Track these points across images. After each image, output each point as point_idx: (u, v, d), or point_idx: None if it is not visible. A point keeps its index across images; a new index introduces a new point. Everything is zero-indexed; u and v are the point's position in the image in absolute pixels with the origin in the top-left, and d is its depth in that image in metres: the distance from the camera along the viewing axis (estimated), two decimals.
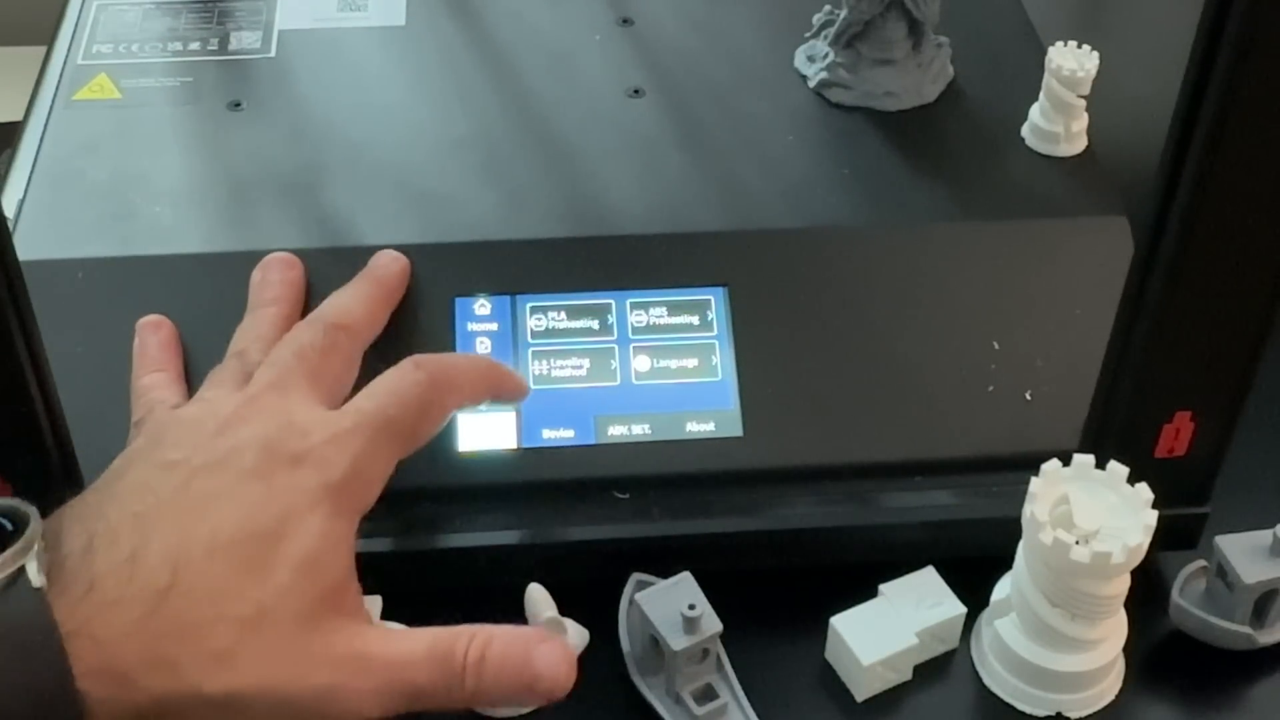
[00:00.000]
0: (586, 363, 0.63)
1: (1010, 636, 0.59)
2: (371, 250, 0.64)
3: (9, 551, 0.46)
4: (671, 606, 0.56)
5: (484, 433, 0.61)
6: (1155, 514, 0.55)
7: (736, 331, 0.64)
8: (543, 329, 0.64)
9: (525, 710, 0.58)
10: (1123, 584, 0.57)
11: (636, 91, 0.74)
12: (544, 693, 0.52)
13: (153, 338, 0.61)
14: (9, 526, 0.47)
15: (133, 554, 0.48)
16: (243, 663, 0.48)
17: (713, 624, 0.56)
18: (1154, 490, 0.56)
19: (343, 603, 0.51)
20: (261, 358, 0.58)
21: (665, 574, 0.58)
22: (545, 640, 0.53)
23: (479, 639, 0.51)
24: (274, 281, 0.62)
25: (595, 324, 0.64)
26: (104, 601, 0.47)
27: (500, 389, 0.60)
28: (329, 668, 0.49)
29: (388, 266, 0.63)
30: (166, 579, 0.48)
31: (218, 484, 0.51)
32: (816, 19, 0.76)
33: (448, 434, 0.61)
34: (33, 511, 0.47)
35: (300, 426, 0.53)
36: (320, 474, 0.52)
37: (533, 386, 0.62)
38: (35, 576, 0.46)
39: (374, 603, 0.57)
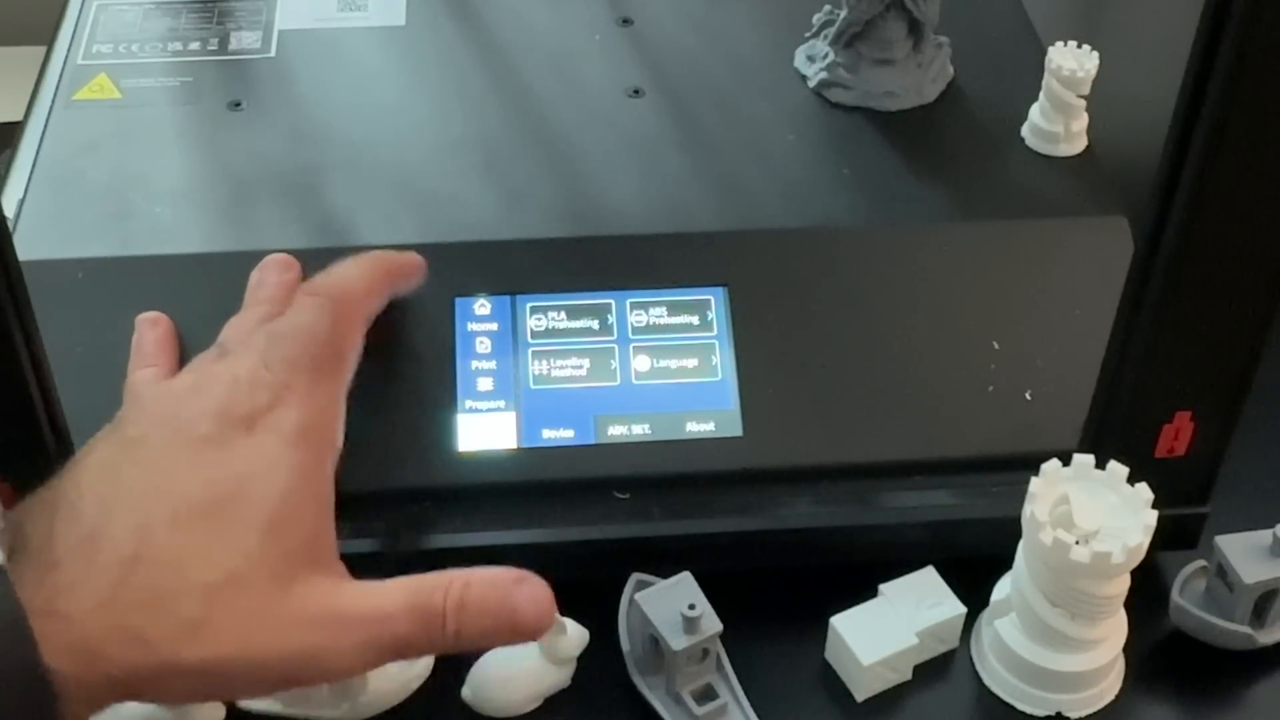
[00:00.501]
0: (586, 363, 0.63)
1: (1010, 636, 0.59)
2: (372, 250, 0.64)
3: None
4: (671, 606, 0.56)
5: (484, 433, 0.61)
6: (1155, 514, 0.55)
7: (736, 331, 0.64)
8: (543, 329, 0.64)
9: (527, 710, 0.59)
10: (1123, 584, 0.57)
11: (636, 91, 0.74)
12: (525, 630, 0.51)
13: (149, 334, 0.61)
14: None
15: (96, 529, 0.48)
16: (215, 630, 0.47)
17: (713, 624, 0.56)
18: (1154, 490, 0.56)
19: (316, 558, 0.51)
20: None
21: (665, 574, 0.58)
22: (522, 579, 0.52)
23: (457, 583, 0.50)
24: (270, 283, 0.62)
25: (595, 324, 0.64)
26: (69, 578, 0.46)
27: (398, 277, 0.61)
28: (306, 628, 0.49)
29: (397, 256, 0.63)
30: (131, 551, 0.47)
31: (176, 455, 0.51)
32: (816, 19, 0.76)
33: (448, 434, 0.61)
34: None
35: (245, 387, 0.53)
36: (274, 429, 0.52)
37: (533, 386, 0.62)
38: None
39: None
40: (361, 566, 0.56)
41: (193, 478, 0.50)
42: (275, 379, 0.54)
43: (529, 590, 0.51)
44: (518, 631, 0.51)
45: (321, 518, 0.52)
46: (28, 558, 0.47)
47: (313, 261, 0.64)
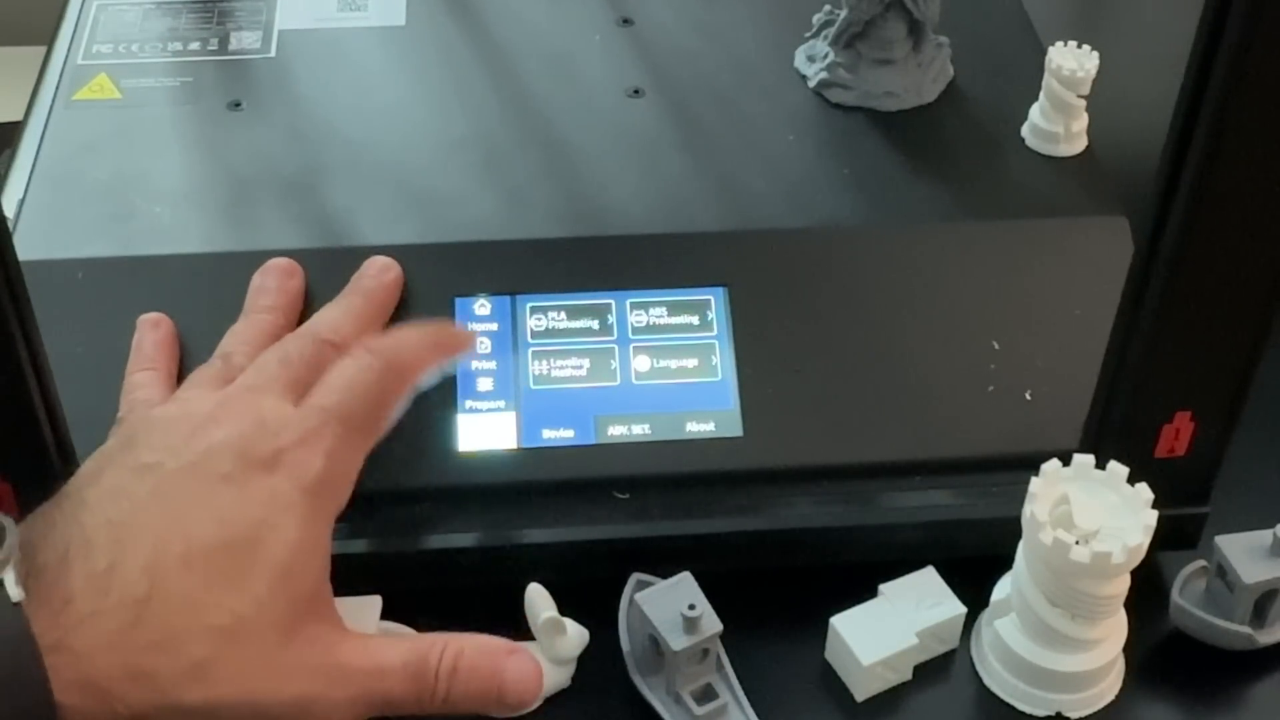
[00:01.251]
0: (586, 363, 0.63)
1: (1010, 636, 0.59)
2: (371, 250, 0.64)
3: None
4: (671, 606, 0.56)
5: (484, 433, 0.61)
6: (1155, 514, 0.55)
7: (736, 331, 0.64)
8: (543, 329, 0.63)
9: (527, 710, 0.59)
10: (1123, 584, 0.57)
11: (636, 91, 0.74)
12: (511, 704, 0.53)
13: (150, 335, 0.61)
14: None
15: (110, 565, 0.48)
16: (220, 673, 0.48)
17: (713, 624, 0.56)
18: (1154, 490, 0.55)
19: (318, 609, 0.52)
20: (246, 362, 0.58)
21: (665, 574, 0.58)
22: (514, 653, 0.53)
23: (450, 649, 0.52)
24: (271, 289, 0.62)
25: (595, 324, 0.64)
26: (82, 614, 0.47)
27: (450, 351, 0.60)
28: (306, 677, 0.50)
29: (378, 277, 0.62)
30: (144, 590, 0.48)
31: (192, 489, 0.51)
32: (816, 19, 0.76)
33: (448, 434, 0.61)
34: (9, 523, 0.47)
35: (271, 428, 0.53)
36: (294, 477, 0.52)
37: (533, 386, 0.62)
38: (13, 590, 0.45)
39: (374, 603, 0.57)
40: (361, 566, 0.56)
41: (207, 516, 0.50)
42: (306, 424, 0.53)
43: (519, 663, 0.53)
44: (503, 703, 0.53)
45: (324, 570, 0.52)
46: (40, 588, 0.47)
47: (313, 262, 0.64)
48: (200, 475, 0.51)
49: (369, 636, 0.53)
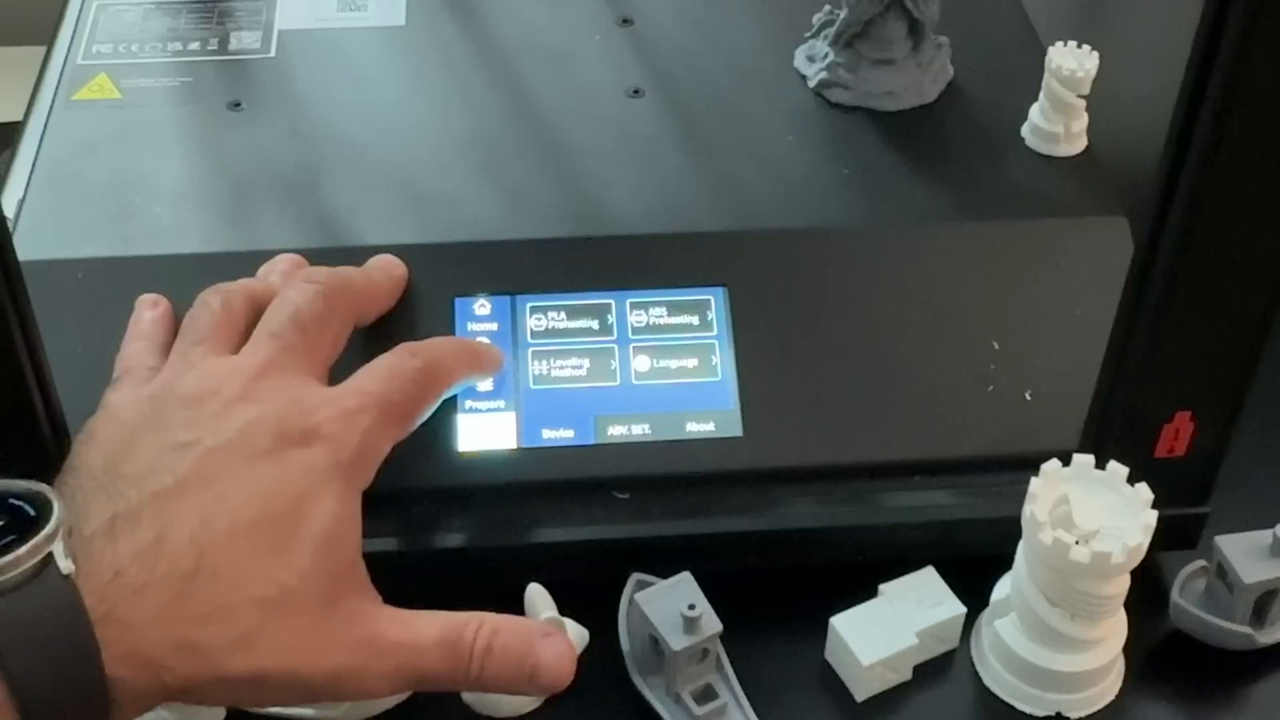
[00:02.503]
0: (586, 363, 0.63)
1: (1010, 636, 0.59)
2: (371, 250, 0.64)
3: (37, 539, 0.46)
4: (671, 606, 0.56)
5: (484, 433, 0.61)
6: (1155, 514, 0.55)
7: (736, 331, 0.64)
8: (543, 329, 0.63)
9: (528, 710, 0.59)
10: (1123, 584, 0.57)
11: (636, 91, 0.74)
12: (544, 685, 0.54)
13: (148, 313, 0.61)
14: (31, 512, 0.47)
15: (157, 538, 0.48)
16: (265, 644, 0.49)
17: (713, 624, 0.56)
18: (1154, 490, 0.55)
19: (356, 582, 0.53)
20: (247, 313, 0.58)
21: (665, 574, 0.58)
22: (549, 635, 0.54)
23: (486, 628, 0.52)
24: (281, 271, 0.62)
25: (595, 324, 0.64)
26: (131, 586, 0.47)
27: (483, 367, 0.61)
28: (346, 650, 0.51)
29: (386, 269, 0.63)
30: (192, 563, 0.48)
31: (233, 466, 0.51)
32: (816, 19, 0.76)
33: (448, 434, 0.61)
34: (55, 495, 0.47)
35: (307, 405, 0.54)
36: (331, 453, 0.53)
37: (533, 386, 0.62)
38: (63, 563, 0.46)
39: None
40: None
41: (249, 491, 0.51)
42: (344, 404, 0.54)
43: (553, 646, 0.54)
44: (535, 683, 0.53)
45: (359, 545, 0.53)
46: (89, 560, 0.47)
47: (313, 262, 0.64)
48: (239, 452, 0.52)
49: (405, 611, 0.53)
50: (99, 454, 0.52)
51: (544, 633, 0.54)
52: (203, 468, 0.51)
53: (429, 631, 0.52)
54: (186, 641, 0.48)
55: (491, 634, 0.52)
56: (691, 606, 0.56)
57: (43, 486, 0.48)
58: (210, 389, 0.54)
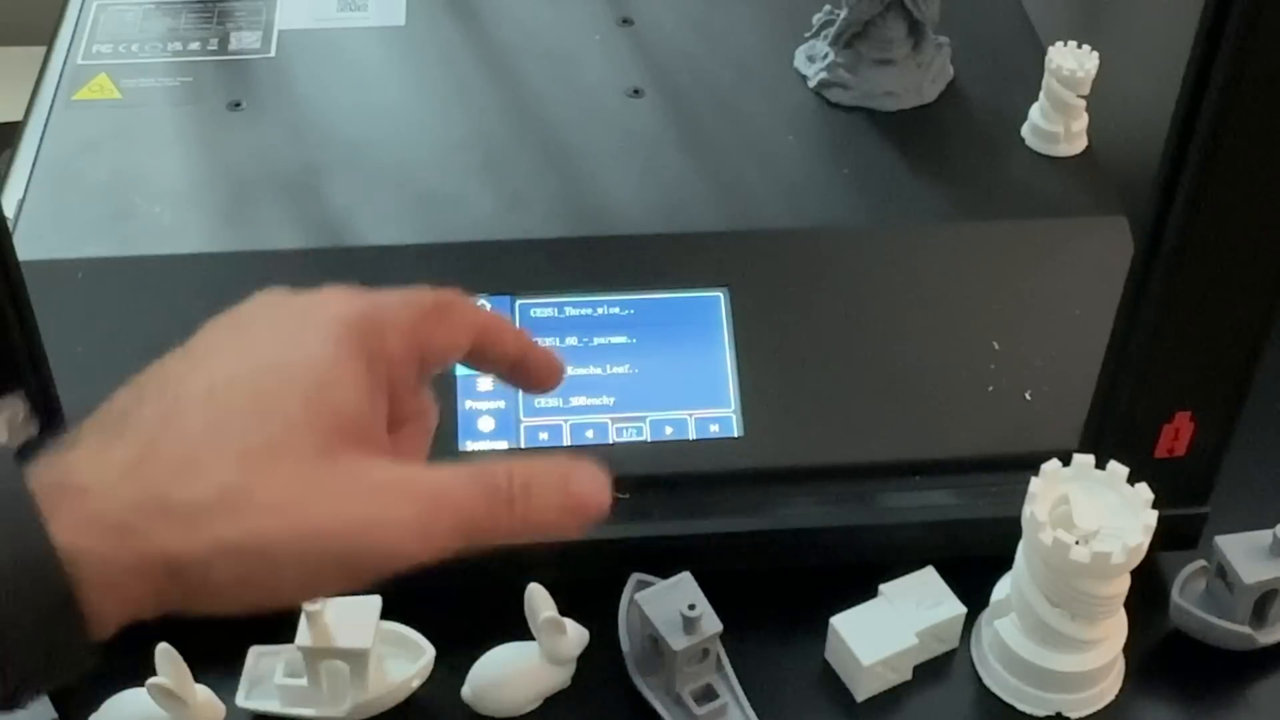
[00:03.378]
0: (586, 363, 0.63)
1: (1010, 636, 0.59)
2: (371, 250, 0.64)
3: None
4: (671, 606, 0.56)
5: (484, 433, 0.61)
6: (1155, 514, 0.55)
7: (736, 332, 0.64)
8: (542, 329, 0.63)
9: (527, 710, 0.59)
10: (1123, 584, 0.57)
11: (636, 91, 0.74)
12: (587, 512, 0.47)
13: None
14: None
15: (122, 411, 0.43)
16: (257, 500, 0.43)
17: (713, 624, 0.56)
18: (1154, 490, 0.55)
19: (367, 438, 0.46)
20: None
21: (665, 574, 0.58)
22: (576, 464, 0.47)
23: (518, 467, 0.46)
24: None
25: (595, 324, 0.64)
26: (88, 454, 0.42)
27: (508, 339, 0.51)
28: (361, 498, 0.44)
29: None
30: (158, 423, 0.43)
31: (219, 337, 0.46)
32: (816, 19, 0.76)
33: (448, 434, 0.61)
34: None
35: (319, 295, 0.47)
36: (331, 309, 0.46)
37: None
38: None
39: (374, 603, 0.57)
40: None
41: (233, 351, 0.45)
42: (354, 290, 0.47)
43: (587, 470, 0.46)
44: (579, 513, 0.47)
45: (371, 404, 0.46)
46: (67, 439, 0.42)
47: (313, 261, 0.64)
48: (237, 325, 0.46)
49: (430, 464, 0.47)
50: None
51: (572, 463, 0.47)
52: (191, 349, 0.45)
53: (459, 475, 0.45)
54: (158, 500, 0.41)
55: (525, 471, 0.46)
56: (691, 606, 0.56)
57: None
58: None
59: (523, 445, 0.61)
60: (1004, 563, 0.59)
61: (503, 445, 0.61)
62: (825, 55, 0.74)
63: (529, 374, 0.51)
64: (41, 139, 0.71)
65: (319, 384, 0.45)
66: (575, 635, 0.58)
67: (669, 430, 0.62)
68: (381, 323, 0.47)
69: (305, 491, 0.43)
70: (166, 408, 0.43)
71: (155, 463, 0.42)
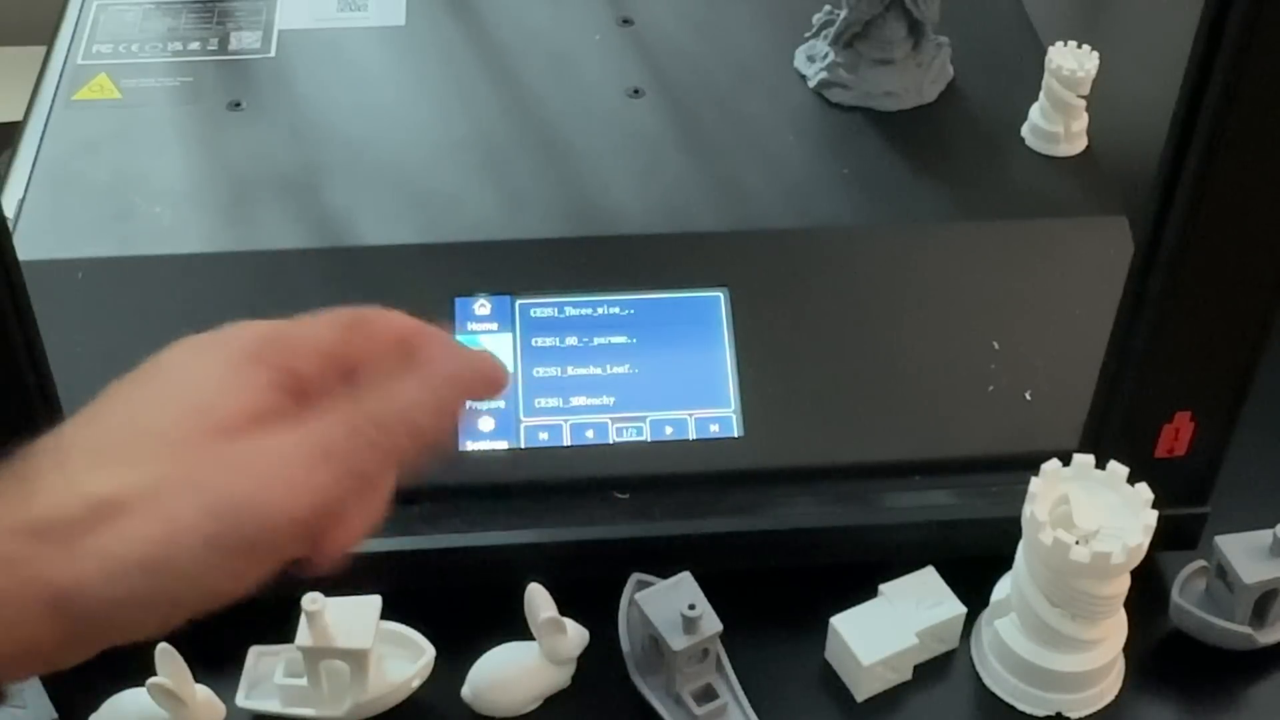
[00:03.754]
0: (586, 363, 0.63)
1: (1010, 636, 0.59)
2: (371, 250, 0.64)
3: None
4: (671, 606, 0.56)
5: (484, 432, 0.61)
6: (1155, 514, 0.55)
7: (737, 332, 0.64)
8: (542, 329, 0.63)
9: (527, 710, 0.59)
10: (1122, 584, 0.57)
11: (636, 91, 0.74)
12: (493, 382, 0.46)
13: None
14: None
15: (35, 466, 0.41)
16: (127, 505, 0.40)
17: (713, 624, 0.56)
18: (1154, 490, 0.55)
19: (243, 438, 0.43)
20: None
21: (665, 574, 0.58)
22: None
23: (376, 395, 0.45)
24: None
25: (595, 324, 0.64)
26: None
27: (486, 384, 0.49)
28: (235, 470, 0.42)
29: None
30: (52, 466, 0.41)
31: (129, 388, 0.45)
32: (816, 19, 0.76)
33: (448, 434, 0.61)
34: None
35: None
36: (232, 341, 0.45)
37: (532, 386, 0.62)
38: None
39: (374, 603, 0.57)
40: (361, 566, 0.56)
41: (127, 393, 0.45)
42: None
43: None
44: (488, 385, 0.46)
45: (249, 411, 0.44)
46: None
47: (313, 261, 0.64)
48: (141, 374, 0.45)
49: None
50: None
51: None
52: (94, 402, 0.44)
53: (324, 419, 0.43)
54: (31, 524, 0.40)
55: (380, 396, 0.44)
56: (691, 606, 0.56)
57: None
58: None
59: (523, 445, 0.61)
60: (1004, 563, 0.59)
61: (503, 445, 0.61)
62: (825, 55, 0.74)
63: (465, 384, 0.47)
64: (41, 139, 0.71)
65: (196, 401, 0.43)
66: (575, 635, 0.58)
67: (669, 430, 0.62)
68: (288, 343, 0.46)
69: (175, 486, 0.41)
70: (61, 455, 0.42)
71: (35, 496, 0.40)
